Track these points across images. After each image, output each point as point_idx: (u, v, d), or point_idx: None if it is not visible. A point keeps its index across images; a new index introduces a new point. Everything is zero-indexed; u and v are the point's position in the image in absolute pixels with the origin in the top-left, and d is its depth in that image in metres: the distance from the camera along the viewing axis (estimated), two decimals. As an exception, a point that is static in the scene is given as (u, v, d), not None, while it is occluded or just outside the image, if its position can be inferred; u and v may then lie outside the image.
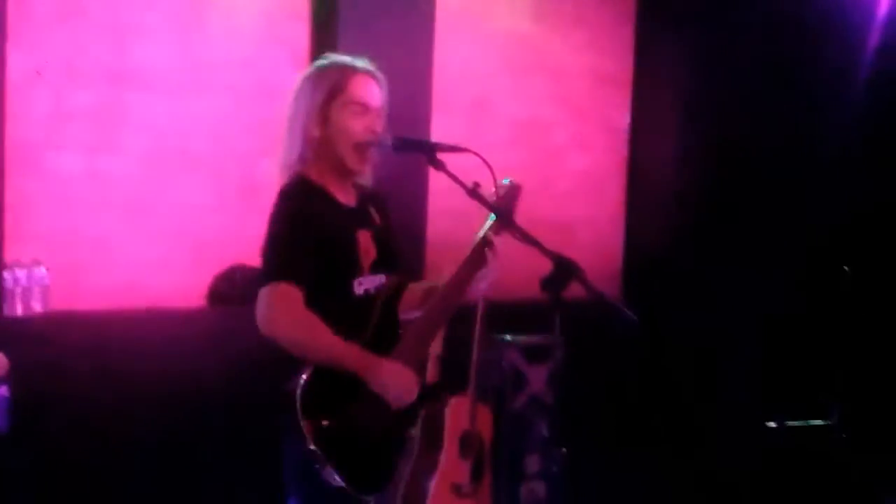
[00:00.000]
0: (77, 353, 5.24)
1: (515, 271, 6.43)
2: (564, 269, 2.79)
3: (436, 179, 6.34)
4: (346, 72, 3.21)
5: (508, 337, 6.03)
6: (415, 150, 3.13)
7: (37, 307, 5.32)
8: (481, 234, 3.16)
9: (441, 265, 5.44)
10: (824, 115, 6.63)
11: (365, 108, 3.17)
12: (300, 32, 6.19)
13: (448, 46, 6.53)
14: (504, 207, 3.11)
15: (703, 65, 7.13)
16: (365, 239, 3.17)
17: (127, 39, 5.71)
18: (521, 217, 3.17)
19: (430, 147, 3.04)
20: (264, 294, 2.95)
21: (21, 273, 5.26)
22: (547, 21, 7.11)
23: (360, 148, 3.13)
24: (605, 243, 7.43)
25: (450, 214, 6.45)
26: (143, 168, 5.80)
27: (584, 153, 7.41)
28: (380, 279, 3.18)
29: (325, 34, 6.10)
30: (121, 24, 5.69)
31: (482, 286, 3.21)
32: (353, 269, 3.11)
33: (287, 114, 3.23)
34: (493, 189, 3.06)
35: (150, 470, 5.25)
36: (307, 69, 3.33)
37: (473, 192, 2.97)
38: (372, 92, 3.21)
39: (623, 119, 7.55)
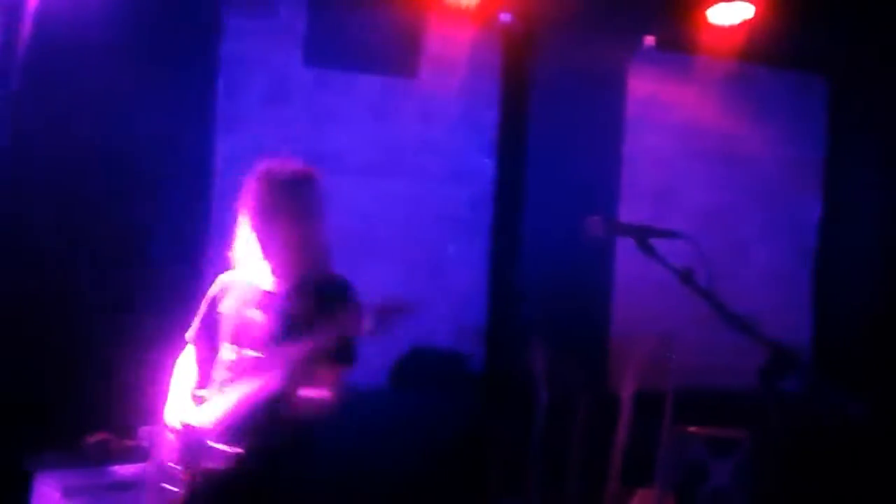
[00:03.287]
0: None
1: (711, 361, 6.35)
2: (784, 359, 2.70)
3: (623, 273, 6.36)
4: None
5: (692, 429, 5.89)
6: (626, 233, 3.11)
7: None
8: None
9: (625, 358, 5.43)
10: None
11: None
12: (491, 119, 6.29)
13: (637, 134, 6.53)
14: None
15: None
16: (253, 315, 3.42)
17: (325, 124, 5.92)
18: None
19: (642, 231, 3.01)
20: None
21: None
22: (736, 110, 7.03)
23: None
24: (791, 335, 7.20)
25: (634, 305, 6.43)
26: (335, 247, 5.93)
27: (771, 243, 7.24)
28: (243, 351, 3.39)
29: (515, 121, 6.20)
30: (320, 109, 5.91)
31: None
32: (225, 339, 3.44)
33: None
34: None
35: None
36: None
37: (686, 277, 2.91)
38: None
39: (813, 209, 7.37)
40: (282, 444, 3.31)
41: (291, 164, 3.56)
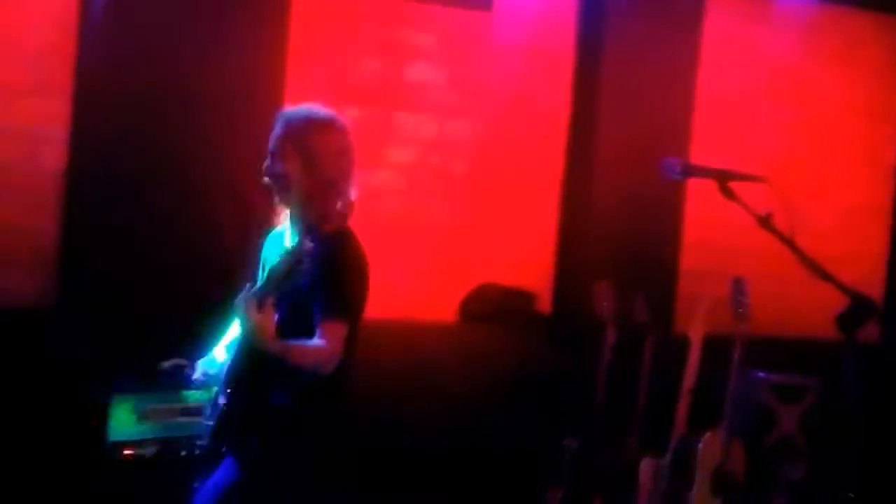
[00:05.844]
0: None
1: (781, 306, 6.27)
2: (863, 307, 2.67)
3: (691, 210, 6.28)
4: None
5: (762, 374, 5.84)
6: (705, 176, 3.06)
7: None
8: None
9: (694, 297, 5.38)
10: None
11: None
12: (566, 55, 6.22)
13: (712, 74, 6.41)
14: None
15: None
16: None
17: (397, 59, 5.89)
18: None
19: (723, 174, 2.96)
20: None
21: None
22: (814, 55, 6.87)
23: None
24: (866, 282, 7.07)
25: (704, 247, 6.36)
26: (405, 184, 5.95)
27: (848, 189, 7.10)
28: None
29: (589, 57, 6.12)
30: (392, 44, 5.89)
31: None
32: None
33: None
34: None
35: (390, 479, 5.34)
36: None
37: (766, 222, 2.86)
38: None
39: (891, 155, 7.20)
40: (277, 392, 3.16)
41: (309, 109, 3.23)
